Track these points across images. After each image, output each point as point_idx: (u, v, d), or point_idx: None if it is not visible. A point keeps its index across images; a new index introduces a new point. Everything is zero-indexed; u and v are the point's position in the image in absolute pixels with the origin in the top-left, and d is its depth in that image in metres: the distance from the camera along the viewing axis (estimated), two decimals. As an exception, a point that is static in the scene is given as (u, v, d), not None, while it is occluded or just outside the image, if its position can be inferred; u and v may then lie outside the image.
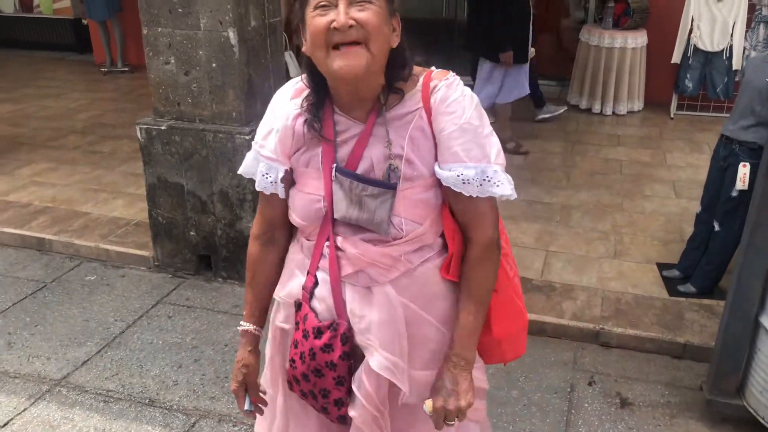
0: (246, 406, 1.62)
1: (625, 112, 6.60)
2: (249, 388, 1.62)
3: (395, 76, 1.36)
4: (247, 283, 1.62)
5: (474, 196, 1.36)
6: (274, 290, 1.60)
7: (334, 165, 1.38)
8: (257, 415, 1.70)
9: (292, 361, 1.51)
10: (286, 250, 1.59)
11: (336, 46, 1.27)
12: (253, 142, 1.51)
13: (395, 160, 1.36)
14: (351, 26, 1.25)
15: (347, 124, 1.40)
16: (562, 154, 5.58)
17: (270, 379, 1.67)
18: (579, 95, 6.77)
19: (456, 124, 1.34)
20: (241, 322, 1.62)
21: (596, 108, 6.62)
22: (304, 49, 1.35)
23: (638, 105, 6.69)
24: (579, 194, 4.73)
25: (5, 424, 2.68)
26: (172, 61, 3.40)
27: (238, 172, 1.57)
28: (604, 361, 3.09)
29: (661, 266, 3.71)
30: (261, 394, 1.64)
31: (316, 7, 1.27)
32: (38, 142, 5.89)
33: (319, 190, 1.41)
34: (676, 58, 6.18)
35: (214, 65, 3.35)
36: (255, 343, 1.61)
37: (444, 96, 1.35)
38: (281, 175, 1.45)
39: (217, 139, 3.44)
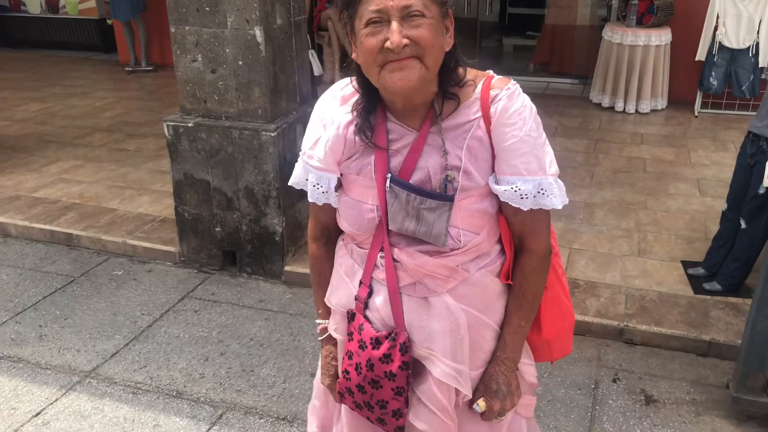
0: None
1: (648, 111, 6.55)
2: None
3: (449, 80, 1.32)
4: (315, 284, 1.62)
5: (530, 209, 1.34)
6: None
7: (389, 175, 1.35)
8: (311, 406, 1.73)
9: (346, 372, 1.48)
10: None
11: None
12: (300, 153, 1.48)
13: (452, 170, 1.33)
14: (405, 45, 1.21)
15: (401, 132, 1.36)
16: (585, 152, 5.56)
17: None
18: (601, 93, 6.74)
19: (516, 136, 1.31)
20: (318, 321, 1.63)
21: (619, 106, 6.58)
22: (353, 56, 1.31)
23: (662, 103, 6.64)
24: (602, 192, 4.71)
25: (38, 414, 2.74)
26: (199, 58, 3.44)
27: (289, 183, 1.53)
28: (629, 358, 3.08)
29: (686, 264, 3.69)
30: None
31: (368, 24, 1.23)
32: (65, 140, 5.99)
33: (372, 200, 1.38)
34: (701, 55, 6.13)
35: (240, 63, 3.39)
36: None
37: (505, 107, 1.31)
38: (333, 184, 1.43)
39: (242, 136, 3.48)
